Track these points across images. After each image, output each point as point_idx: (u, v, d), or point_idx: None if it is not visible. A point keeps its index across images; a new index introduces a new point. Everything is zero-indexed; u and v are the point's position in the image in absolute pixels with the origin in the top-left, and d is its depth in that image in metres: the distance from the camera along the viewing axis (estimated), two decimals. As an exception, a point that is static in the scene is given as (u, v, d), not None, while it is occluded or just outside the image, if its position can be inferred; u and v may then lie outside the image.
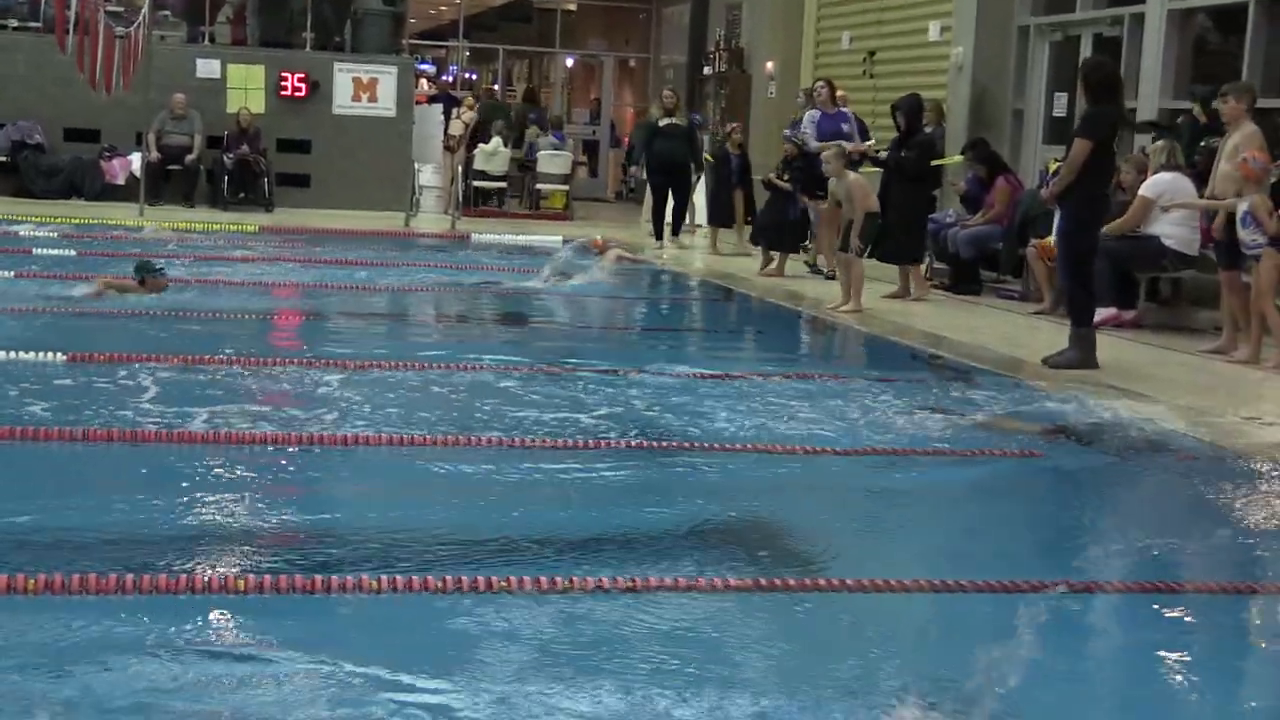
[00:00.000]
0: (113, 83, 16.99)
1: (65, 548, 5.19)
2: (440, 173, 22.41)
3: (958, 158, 15.47)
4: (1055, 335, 11.09)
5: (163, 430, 7.02)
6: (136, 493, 6.01)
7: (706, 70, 25.19)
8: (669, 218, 18.53)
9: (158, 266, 11.80)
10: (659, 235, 18.50)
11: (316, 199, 21.00)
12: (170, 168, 20.37)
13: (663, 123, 18.28)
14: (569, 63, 32.07)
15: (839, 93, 16.28)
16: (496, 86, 31.49)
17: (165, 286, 11.60)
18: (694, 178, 18.80)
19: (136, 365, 8.52)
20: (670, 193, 18.45)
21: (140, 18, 18.55)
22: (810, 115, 15.87)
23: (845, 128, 15.42)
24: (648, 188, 19.61)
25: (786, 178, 15.87)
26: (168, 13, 22.13)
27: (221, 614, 4.62)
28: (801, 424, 7.89)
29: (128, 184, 20.13)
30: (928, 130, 15.24)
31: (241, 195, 20.64)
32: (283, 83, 21.19)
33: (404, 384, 8.56)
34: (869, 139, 15.86)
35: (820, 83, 16.21)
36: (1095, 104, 10.30)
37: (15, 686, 3.93)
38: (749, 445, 7.37)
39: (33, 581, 4.66)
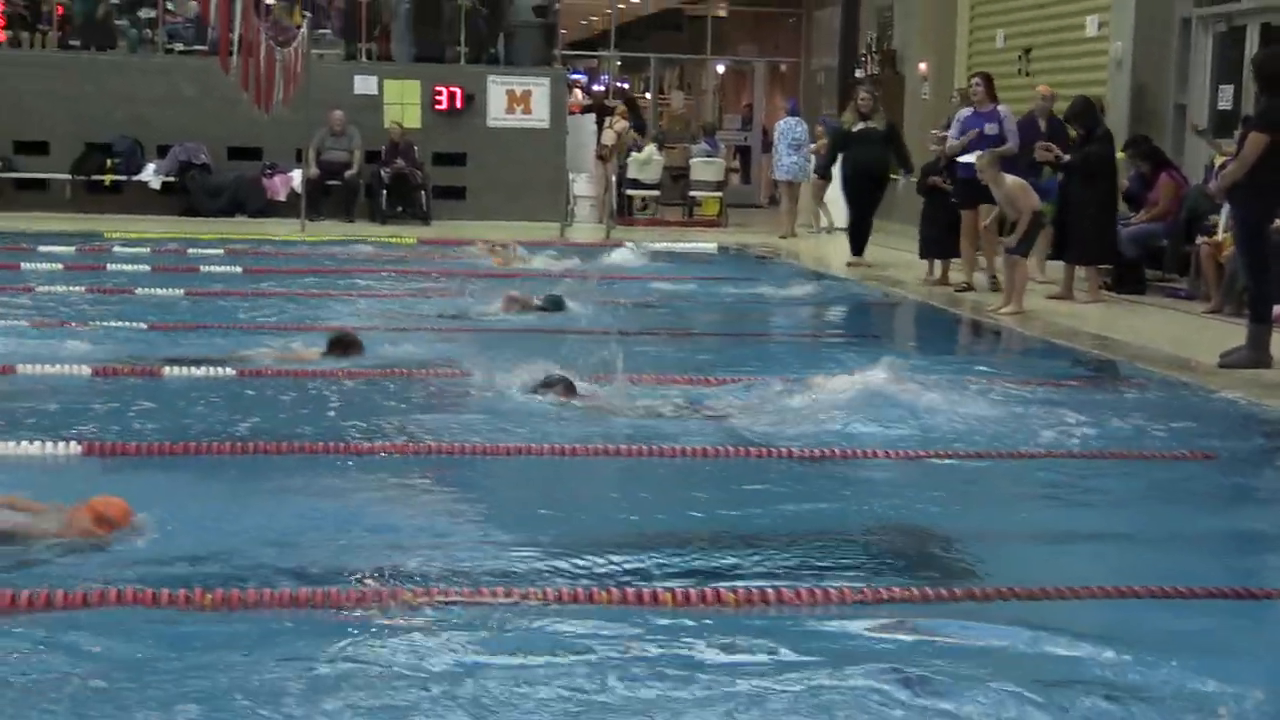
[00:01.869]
0: (274, 102, 17.35)
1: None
2: (594, 182, 22.53)
3: (1119, 155, 15.12)
4: (1225, 335, 10.80)
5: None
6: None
7: (859, 73, 24.99)
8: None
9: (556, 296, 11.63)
10: (857, 250, 16.77)
11: (472, 211, 21.25)
12: (330, 183, 20.75)
13: (856, 128, 16.51)
14: (720, 69, 32.07)
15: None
16: (648, 95, 31.56)
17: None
18: (906, 180, 17.17)
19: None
20: (868, 205, 16.85)
21: (300, 37, 18.94)
22: (960, 115, 15.13)
23: (988, 127, 14.48)
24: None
25: (948, 181, 15.25)
26: (326, 31, 22.56)
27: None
28: (967, 427, 7.78)
29: (289, 200, 20.56)
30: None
31: (399, 208, 20.95)
32: (438, 97, 21.48)
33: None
34: (1066, 134, 14.69)
35: (975, 79, 15.32)
36: (1272, 97, 10.01)
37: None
38: (911, 453, 7.29)
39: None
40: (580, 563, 5.30)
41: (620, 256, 16.91)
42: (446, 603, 4.80)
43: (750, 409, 8.02)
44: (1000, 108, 14.64)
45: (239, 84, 16.62)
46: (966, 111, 14.78)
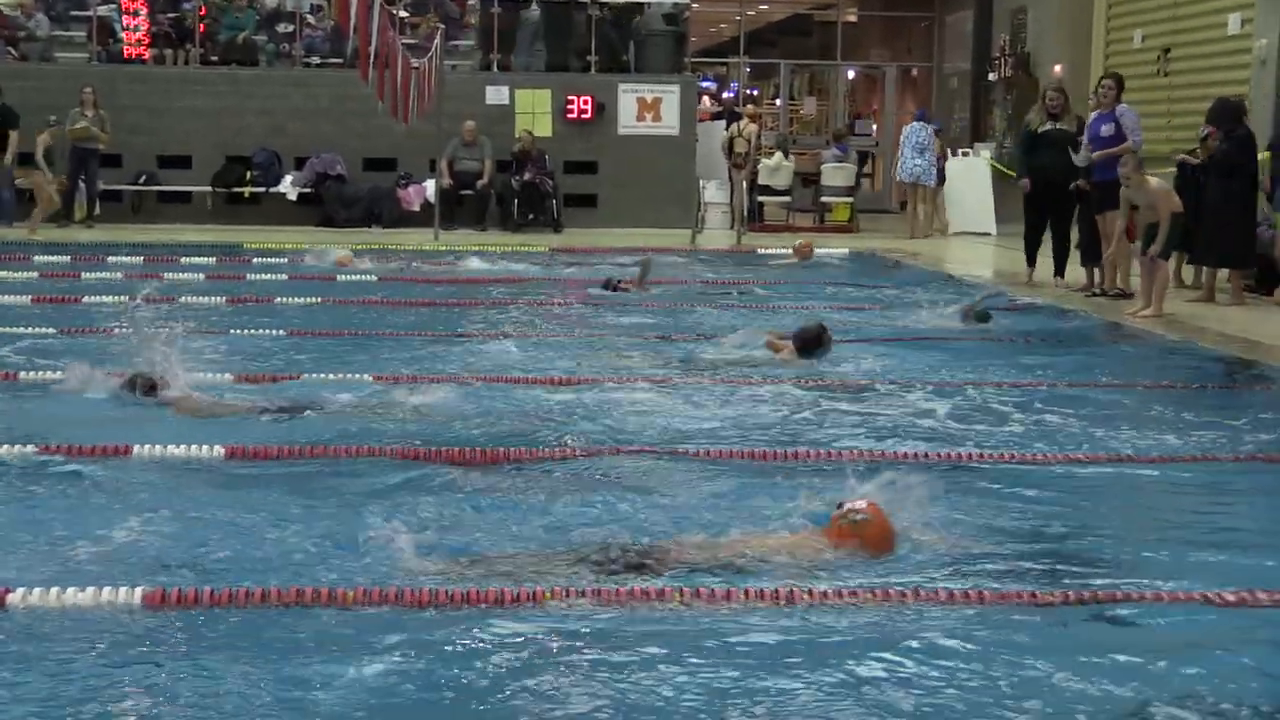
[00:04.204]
0: (410, 112, 17.56)
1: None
2: (724, 189, 22.51)
3: (1264, 155, 14.76)
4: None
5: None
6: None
7: (991, 77, 24.72)
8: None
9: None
10: (1031, 263, 15.36)
11: (603, 218, 21.35)
12: (462, 193, 20.96)
13: (1042, 129, 15.03)
14: (850, 74, 31.87)
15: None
16: (778, 101, 31.46)
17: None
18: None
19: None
20: (1049, 215, 15.12)
21: (434, 48, 19.16)
22: (1090, 118, 14.78)
23: (1104, 129, 14.03)
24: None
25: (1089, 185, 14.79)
26: (459, 42, 22.80)
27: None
28: (1114, 434, 7.65)
29: (422, 210, 20.80)
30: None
31: (530, 217, 21.10)
32: (569, 105, 21.61)
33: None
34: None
35: (1106, 80, 14.70)
36: None
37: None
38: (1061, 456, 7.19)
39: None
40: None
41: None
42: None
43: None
44: (1120, 107, 14.22)
45: (376, 95, 16.85)
46: (1094, 114, 14.52)
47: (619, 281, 13.90)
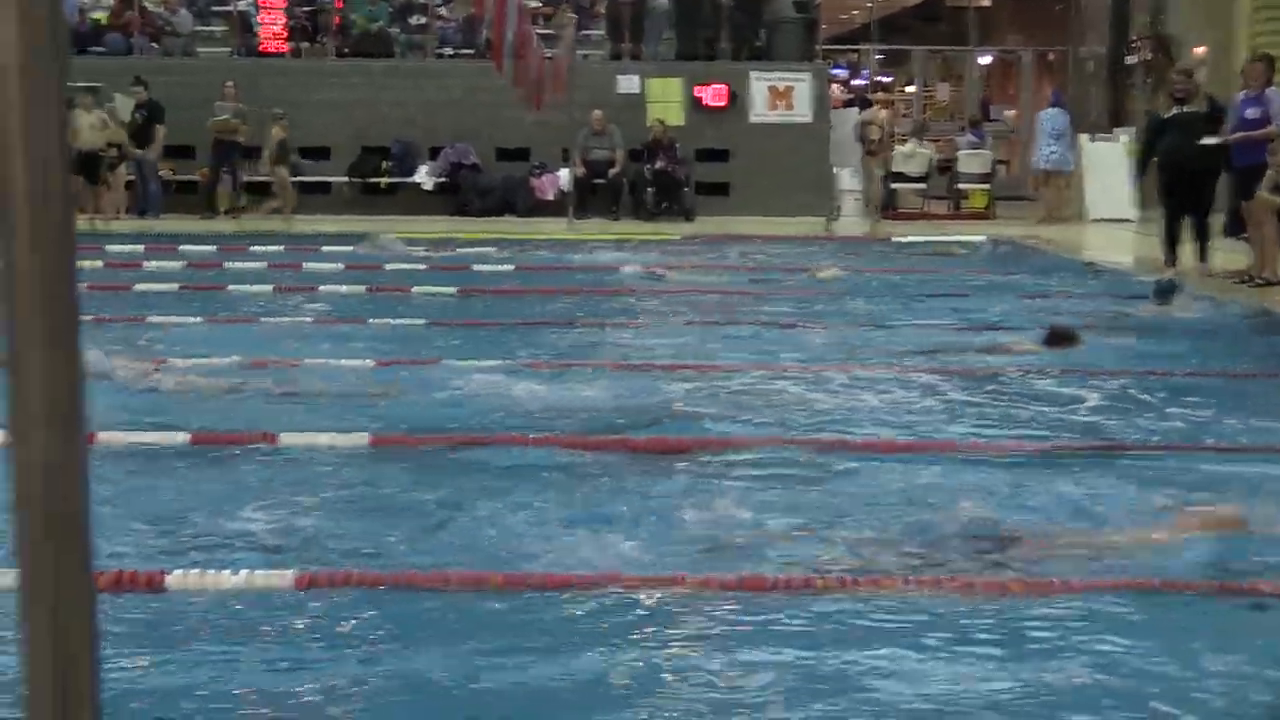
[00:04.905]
0: (543, 102, 17.68)
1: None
2: (858, 176, 22.36)
3: None
4: None
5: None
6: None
7: (1130, 60, 24.26)
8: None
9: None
10: (1170, 254, 14.61)
11: (736, 207, 21.32)
12: (595, 181, 21.06)
13: (1170, 113, 14.50)
14: (984, 59, 31.49)
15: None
16: (911, 88, 31.19)
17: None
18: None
19: None
20: (1185, 201, 14.45)
21: (566, 37, 19.26)
22: (1235, 99, 14.39)
23: (1249, 111, 13.64)
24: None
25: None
26: (589, 32, 22.91)
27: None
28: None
29: (556, 199, 20.93)
30: None
31: (663, 205, 21.14)
32: (700, 94, 21.60)
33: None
34: None
35: (1256, 62, 14.35)
36: None
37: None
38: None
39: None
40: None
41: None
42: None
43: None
44: (1269, 90, 13.86)
45: (511, 84, 16.99)
46: (1240, 95, 14.14)
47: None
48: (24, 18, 1.10)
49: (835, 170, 21.53)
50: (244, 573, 4.88)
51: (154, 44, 22.61)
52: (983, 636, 4.45)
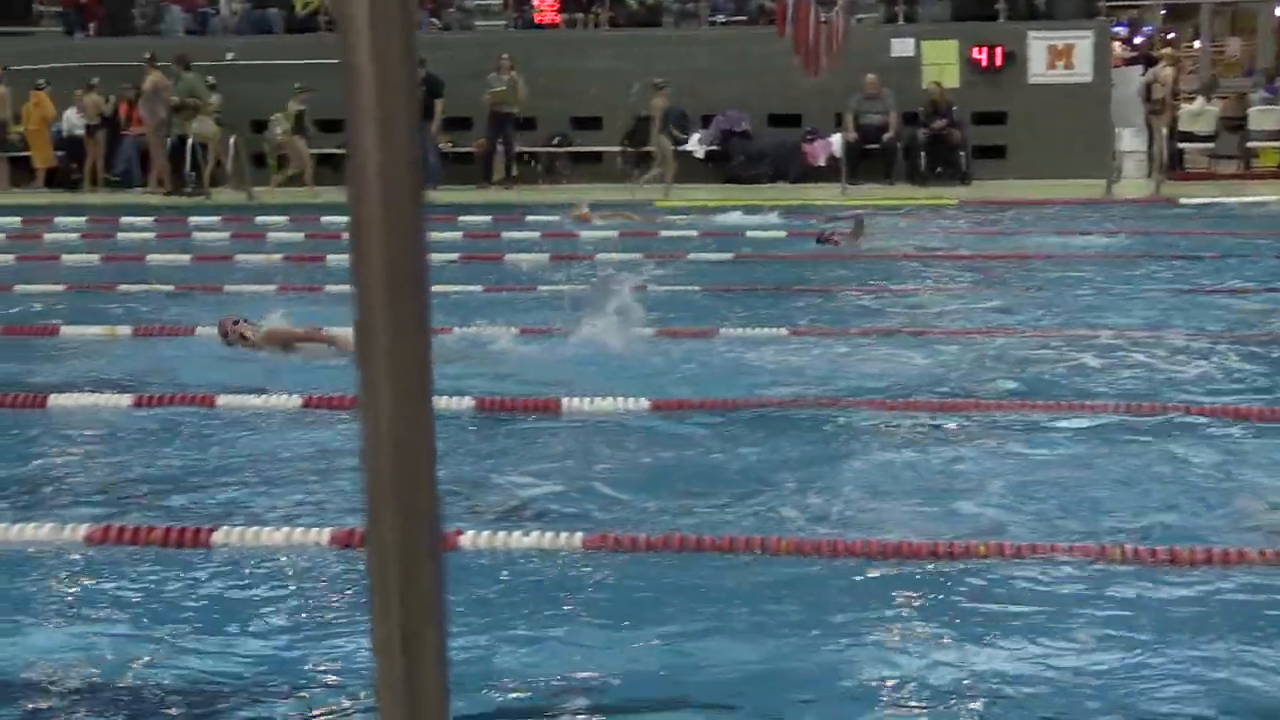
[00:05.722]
0: (821, 66, 17.55)
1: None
2: (1140, 136, 21.58)
3: None
4: None
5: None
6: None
7: None
8: None
9: None
10: None
11: (1013, 170, 20.79)
12: (867, 147, 20.78)
13: None
14: None
15: None
16: (1198, 43, 29.92)
17: None
18: None
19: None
20: None
21: (843, 2, 19.02)
22: None
23: None
24: None
25: None
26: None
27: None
28: None
29: (828, 165, 20.73)
30: None
31: (938, 170, 20.75)
32: (977, 55, 21.12)
33: None
34: None
35: None
36: None
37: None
38: None
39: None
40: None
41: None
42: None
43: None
44: None
45: (791, 49, 16.89)
46: None
47: (831, 233, 13.66)
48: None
49: (1117, 130, 20.80)
50: (534, 534, 4.95)
51: (434, 19, 23.15)
52: None
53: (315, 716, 3.80)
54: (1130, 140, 21.56)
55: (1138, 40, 30.95)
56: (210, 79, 20.57)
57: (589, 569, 4.78)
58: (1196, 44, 29.93)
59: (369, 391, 1.13)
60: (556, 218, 16.42)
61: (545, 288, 11.24)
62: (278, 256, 13.67)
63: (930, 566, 4.72)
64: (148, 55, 20.39)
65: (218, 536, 5.04)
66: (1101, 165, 19.93)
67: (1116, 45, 26.38)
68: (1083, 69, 21.10)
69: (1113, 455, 6.01)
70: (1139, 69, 22.35)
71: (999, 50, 21.07)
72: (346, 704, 3.85)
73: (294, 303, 10.55)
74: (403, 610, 1.13)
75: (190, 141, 19.99)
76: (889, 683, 3.92)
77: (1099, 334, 8.74)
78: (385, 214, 1.14)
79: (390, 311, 1.14)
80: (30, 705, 3.88)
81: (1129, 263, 12.62)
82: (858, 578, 4.66)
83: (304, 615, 4.49)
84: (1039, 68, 21.12)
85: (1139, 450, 6.09)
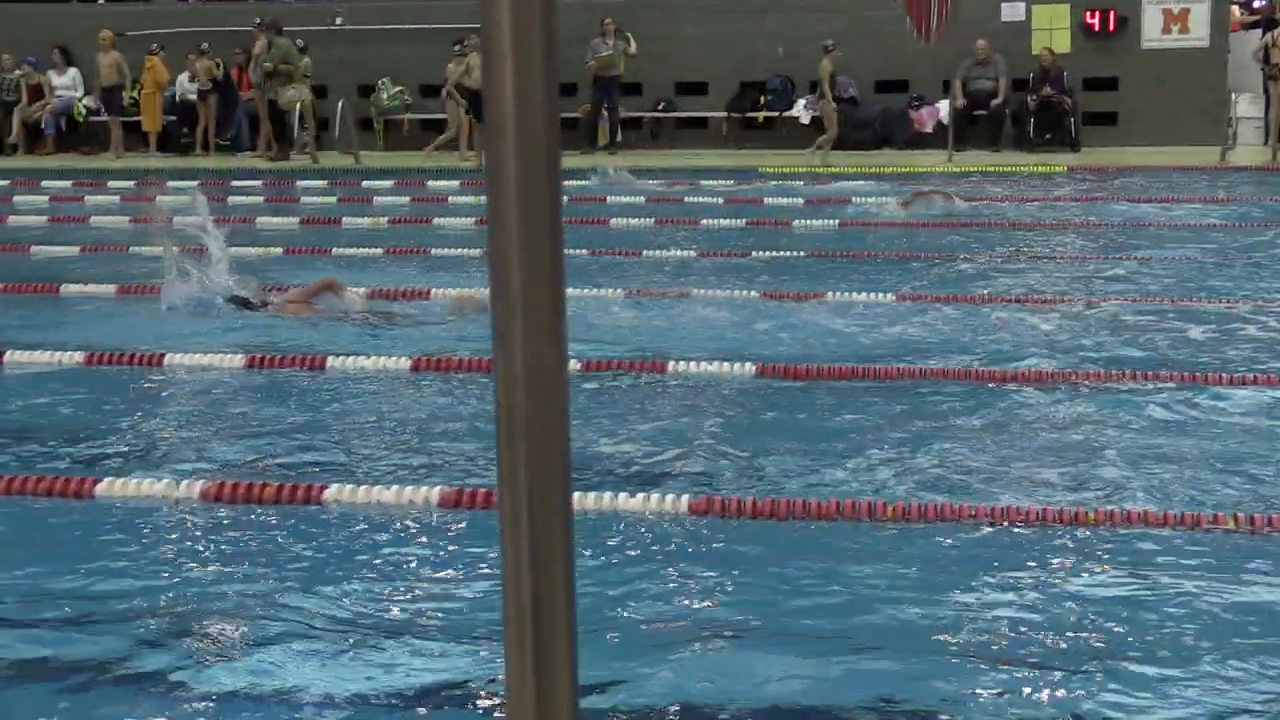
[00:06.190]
0: (931, 31, 17.38)
1: None
2: (1258, 102, 21.12)
3: None
4: None
5: None
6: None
7: None
8: None
9: None
10: None
11: (1124, 136, 20.45)
12: (976, 113, 20.53)
13: None
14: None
15: None
16: None
17: None
18: None
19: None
20: None
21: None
22: None
23: None
24: None
25: None
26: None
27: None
28: None
29: (935, 131, 20.52)
30: None
31: (1047, 136, 20.47)
32: (1089, 19, 20.78)
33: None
34: None
35: None
36: None
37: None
38: None
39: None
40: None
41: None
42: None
43: None
44: None
45: (905, 12, 16.73)
46: None
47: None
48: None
49: (1234, 96, 20.38)
50: (640, 495, 4.97)
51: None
52: None
53: (430, 668, 3.86)
54: (1247, 106, 21.11)
55: (1258, 3, 30.30)
56: (300, 42, 20.67)
57: (693, 530, 4.79)
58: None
59: (504, 327, 1.14)
60: (663, 183, 16.38)
61: (650, 252, 11.26)
62: (383, 220, 13.79)
63: (1055, 530, 4.68)
64: (258, 20, 20.59)
65: (329, 494, 5.11)
66: (1216, 132, 19.56)
67: (1235, 9, 25.85)
68: (1199, 33, 20.70)
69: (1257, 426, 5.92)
70: (1258, 33, 21.86)
71: (1112, 14, 20.71)
72: (456, 650, 3.90)
73: (400, 264, 10.67)
74: (531, 541, 1.14)
75: (297, 107, 20.13)
76: (1007, 645, 3.90)
77: (1220, 303, 8.60)
78: (521, 157, 1.14)
79: (524, 255, 1.14)
80: (149, 654, 3.97)
81: (1243, 231, 12.40)
82: (973, 545, 4.64)
83: (415, 569, 4.55)
84: (1153, 32, 20.74)
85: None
